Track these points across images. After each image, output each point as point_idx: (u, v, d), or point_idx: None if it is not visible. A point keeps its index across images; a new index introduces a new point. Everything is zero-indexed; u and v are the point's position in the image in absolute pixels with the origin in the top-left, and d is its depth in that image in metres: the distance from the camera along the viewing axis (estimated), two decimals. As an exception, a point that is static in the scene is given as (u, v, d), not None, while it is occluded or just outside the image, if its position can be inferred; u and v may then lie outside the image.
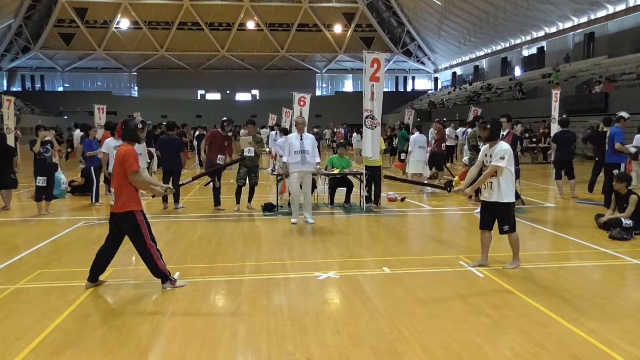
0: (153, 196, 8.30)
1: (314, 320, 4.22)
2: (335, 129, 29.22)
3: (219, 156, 9.53)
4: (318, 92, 52.96)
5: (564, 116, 14.37)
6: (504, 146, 5.47)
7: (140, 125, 5.16)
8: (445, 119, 16.90)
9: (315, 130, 27.08)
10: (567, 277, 5.39)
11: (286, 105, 19.26)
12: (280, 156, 11.09)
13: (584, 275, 5.50)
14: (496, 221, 5.58)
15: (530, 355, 3.55)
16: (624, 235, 7.00)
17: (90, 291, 4.97)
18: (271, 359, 3.54)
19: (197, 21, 48.36)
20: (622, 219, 7.17)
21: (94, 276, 5.08)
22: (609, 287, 5.14)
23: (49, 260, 6.14)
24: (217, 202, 9.66)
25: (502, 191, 5.43)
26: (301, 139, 8.20)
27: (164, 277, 5.02)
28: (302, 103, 12.74)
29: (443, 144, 13.76)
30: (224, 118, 9.87)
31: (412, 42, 51.07)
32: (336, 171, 9.82)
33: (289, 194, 8.66)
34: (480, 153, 5.77)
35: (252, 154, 9.35)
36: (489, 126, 5.52)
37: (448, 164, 16.40)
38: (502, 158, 5.36)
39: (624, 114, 9.53)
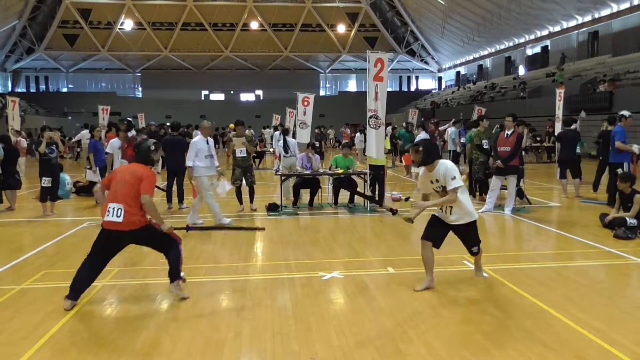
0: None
1: (319, 320, 4.22)
2: (342, 129, 29.24)
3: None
4: (322, 92, 52.96)
5: (582, 114, 14.13)
6: (447, 164, 4.77)
7: (153, 147, 4.86)
8: (435, 119, 16.89)
9: (317, 130, 27.09)
10: (572, 276, 5.37)
11: (290, 105, 19.27)
12: (284, 156, 11.14)
13: (588, 274, 5.48)
14: (457, 240, 5.03)
15: (535, 355, 3.54)
16: (629, 235, 6.97)
17: (97, 291, 4.99)
18: (276, 358, 3.55)
19: (201, 21, 48.44)
20: (627, 218, 7.15)
21: (77, 294, 4.58)
22: (613, 287, 5.12)
23: (54, 261, 6.17)
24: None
25: (468, 208, 4.82)
26: (207, 143, 8.18)
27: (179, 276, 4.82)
28: (306, 103, 12.76)
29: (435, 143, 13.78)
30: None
31: (416, 42, 50.98)
32: (340, 171, 9.83)
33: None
34: (419, 180, 5.16)
35: (245, 154, 9.37)
36: (421, 149, 4.77)
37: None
38: (454, 178, 4.67)
39: (626, 112, 9.51)
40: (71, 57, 50.71)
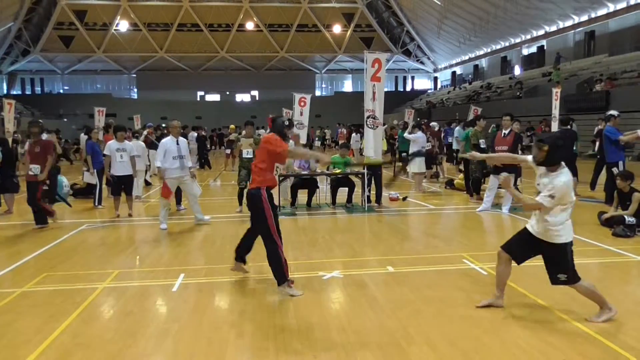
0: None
1: (320, 319, 4.24)
2: (338, 130, 29.31)
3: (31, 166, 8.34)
4: (318, 93, 52.92)
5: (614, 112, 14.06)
6: (563, 179, 3.96)
7: (287, 123, 5.25)
8: (425, 120, 16.97)
9: (318, 132, 27.13)
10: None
11: (286, 106, 19.26)
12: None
13: (588, 272, 5.48)
14: (544, 263, 4.22)
15: (537, 352, 3.57)
16: (627, 233, 7.02)
17: (97, 293, 5.00)
18: (278, 358, 3.56)
19: (197, 22, 48.35)
20: (625, 217, 7.20)
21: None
22: (613, 284, 5.15)
23: (54, 264, 6.16)
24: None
25: (552, 225, 4.03)
26: (177, 144, 8.13)
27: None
28: (302, 103, 12.78)
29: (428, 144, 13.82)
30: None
31: (412, 42, 51.05)
32: (337, 171, 9.85)
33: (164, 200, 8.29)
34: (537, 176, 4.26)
35: (251, 156, 9.35)
36: (545, 148, 3.99)
37: (448, 165, 16.41)
38: (552, 197, 3.94)
39: (614, 112, 9.69)
40: (67, 58, 50.51)
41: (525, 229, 4.30)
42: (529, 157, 4.32)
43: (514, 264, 4.38)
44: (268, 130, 9.82)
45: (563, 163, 4.06)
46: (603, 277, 5.40)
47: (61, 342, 3.86)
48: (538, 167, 4.17)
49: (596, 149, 9.96)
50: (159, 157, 8.05)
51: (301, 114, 12.79)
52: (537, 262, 5.77)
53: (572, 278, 4.05)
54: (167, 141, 8.16)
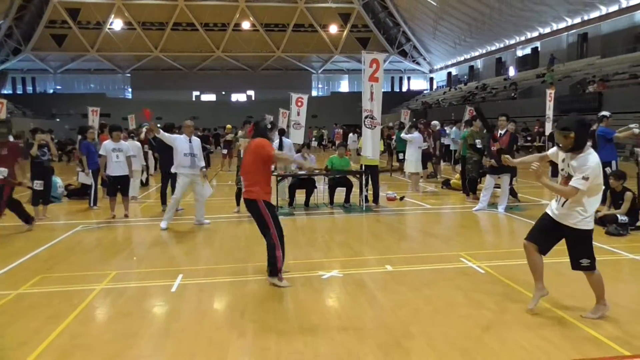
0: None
1: (321, 318, 4.25)
2: (335, 130, 29.37)
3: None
4: (314, 93, 52.98)
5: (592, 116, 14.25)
6: (594, 159, 3.91)
7: (269, 126, 5.44)
8: (424, 120, 17.02)
9: (315, 132, 27.09)
10: (566, 272, 5.35)
11: (282, 106, 19.23)
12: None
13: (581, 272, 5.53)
14: (567, 250, 4.18)
15: (534, 348, 3.59)
16: (620, 231, 7.09)
17: (95, 294, 4.97)
18: (280, 357, 3.56)
19: (192, 22, 48.21)
20: (618, 215, 7.27)
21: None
22: (607, 282, 5.13)
23: (50, 265, 6.11)
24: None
25: (580, 213, 3.98)
26: (190, 142, 8.19)
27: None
28: (299, 104, 12.77)
29: (424, 144, 13.86)
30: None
31: (408, 43, 51.17)
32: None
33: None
34: (556, 148, 4.27)
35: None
36: (572, 135, 3.91)
37: (444, 164, 16.45)
38: (586, 178, 3.86)
39: (606, 113, 9.84)
40: (59, 57, 50.17)
41: (545, 214, 4.24)
42: (551, 151, 4.34)
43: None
44: (242, 133, 9.82)
45: (589, 144, 4.01)
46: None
47: (59, 344, 3.83)
48: (560, 153, 4.13)
49: None
50: (169, 139, 8.14)
51: (298, 114, 12.79)
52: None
53: (593, 264, 4.05)
54: (181, 136, 8.27)
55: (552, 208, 4.17)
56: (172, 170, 8.41)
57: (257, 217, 5.25)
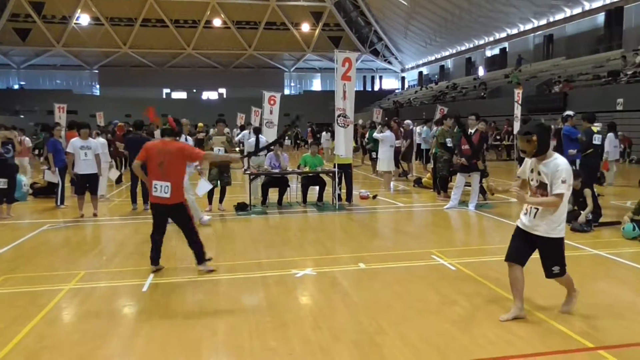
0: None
1: (294, 316, 4.25)
2: (308, 128, 29.34)
3: None
4: (286, 91, 52.82)
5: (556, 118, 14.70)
6: (561, 162, 3.92)
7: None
8: (397, 119, 17.22)
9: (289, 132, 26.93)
10: (533, 267, 5.51)
11: (254, 104, 19.17)
12: (257, 154, 11.10)
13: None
14: (539, 258, 4.16)
15: (503, 342, 3.69)
16: (585, 228, 7.34)
17: (63, 294, 4.85)
18: (253, 355, 3.55)
19: (162, 18, 47.42)
20: (582, 212, 7.51)
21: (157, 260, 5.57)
22: (572, 277, 5.35)
23: (14, 266, 5.92)
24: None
25: (554, 221, 3.97)
26: (186, 140, 8.29)
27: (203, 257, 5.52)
28: (272, 102, 12.72)
29: (397, 142, 14.02)
30: None
31: (379, 42, 51.62)
32: (307, 169, 9.87)
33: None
34: (523, 165, 4.28)
35: (223, 154, 9.24)
36: (534, 138, 3.92)
37: (417, 162, 16.67)
38: (564, 182, 3.86)
39: (570, 112, 10.19)
40: (23, 52, 48.61)
41: (517, 229, 4.22)
42: (520, 170, 4.29)
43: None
44: (214, 132, 9.73)
45: (552, 150, 4.06)
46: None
47: (25, 346, 3.73)
48: (527, 162, 4.13)
49: (552, 148, 10.43)
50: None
51: (271, 112, 12.73)
52: (500, 257, 5.94)
53: (563, 270, 4.09)
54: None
55: (523, 221, 4.14)
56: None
57: (184, 218, 5.46)
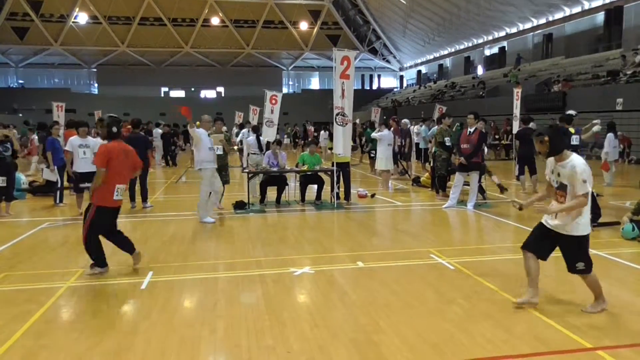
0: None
1: (292, 314, 4.26)
2: (307, 126, 29.30)
3: None
4: (285, 90, 52.77)
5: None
6: (578, 163, 4.06)
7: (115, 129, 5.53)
8: (396, 117, 17.22)
9: (288, 129, 26.96)
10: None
11: (253, 103, 19.17)
12: (252, 153, 11.12)
13: (546, 265, 5.69)
14: (561, 254, 4.32)
15: (501, 342, 3.70)
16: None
17: (61, 292, 4.85)
18: (251, 353, 3.56)
19: (160, 16, 47.35)
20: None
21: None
22: (571, 277, 5.35)
23: (13, 263, 5.93)
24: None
25: (577, 219, 4.10)
26: (208, 136, 8.42)
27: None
28: (273, 101, 12.72)
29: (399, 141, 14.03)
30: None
31: (378, 41, 51.61)
32: (306, 168, 9.87)
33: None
34: (547, 168, 4.38)
35: (221, 152, 9.25)
36: (546, 139, 4.15)
37: (415, 161, 16.68)
38: (585, 182, 4.01)
39: (572, 112, 10.18)
40: (21, 51, 48.52)
41: (540, 224, 4.35)
42: (546, 172, 4.39)
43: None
44: (212, 130, 9.76)
45: (569, 151, 4.19)
46: (561, 270, 5.59)
47: (24, 344, 3.73)
48: (547, 162, 4.30)
49: None
50: (197, 135, 8.18)
51: (272, 111, 12.73)
52: (498, 257, 5.98)
53: (589, 268, 4.17)
54: (203, 131, 8.37)
55: (546, 219, 4.28)
56: (196, 167, 8.40)
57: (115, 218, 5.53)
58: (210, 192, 8.32)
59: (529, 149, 11.30)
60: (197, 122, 17.69)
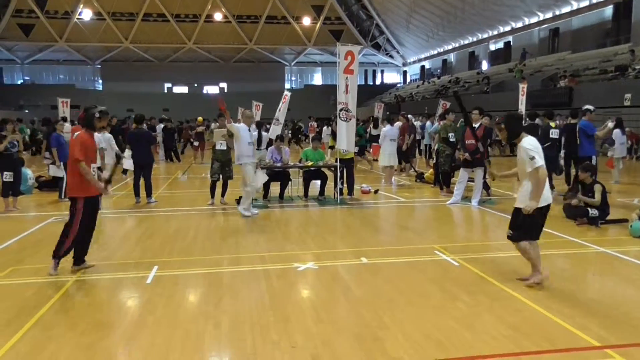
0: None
1: (296, 309, 4.28)
2: (309, 123, 29.24)
3: None
4: (287, 85, 52.69)
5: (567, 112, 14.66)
6: (527, 141, 4.65)
7: (97, 115, 5.44)
8: (404, 113, 17.17)
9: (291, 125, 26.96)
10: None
11: (255, 98, 19.15)
12: (257, 149, 11.17)
13: (553, 262, 5.70)
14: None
15: (505, 338, 3.70)
16: (590, 225, 7.33)
17: (69, 286, 4.90)
18: (256, 348, 3.59)
19: (163, 12, 47.31)
20: (589, 209, 7.47)
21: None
22: (578, 274, 5.37)
23: (21, 257, 5.99)
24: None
25: (528, 192, 4.64)
26: (249, 131, 8.58)
27: (56, 257, 5.29)
28: (283, 101, 12.83)
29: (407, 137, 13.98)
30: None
31: (381, 36, 51.38)
32: (310, 164, 9.88)
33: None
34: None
35: (225, 148, 9.26)
36: (502, 126, 4.81)
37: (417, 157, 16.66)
38: (533, 158, 4.53)
39: (590, 107, 9.98)
40: (26, 48, 48.67)
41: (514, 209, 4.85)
42: (529, 166, 4.68)
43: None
44: (215, 125, 9.82)
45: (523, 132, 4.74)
46: (569, 267, 5.62)
47: (32, 336, 3.78)
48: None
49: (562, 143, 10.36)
50: (236, 129, 8.33)
51: (280, 110, 12.77)
52: (503, 254, 5.98)
53: (516, 237, 4.76)
54: (244, 126, 8.53)
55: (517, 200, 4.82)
56: (236, 162, 8.54)
57: (70, 215, 5.40)
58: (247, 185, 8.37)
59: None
60: (199, 118, 17.69)
